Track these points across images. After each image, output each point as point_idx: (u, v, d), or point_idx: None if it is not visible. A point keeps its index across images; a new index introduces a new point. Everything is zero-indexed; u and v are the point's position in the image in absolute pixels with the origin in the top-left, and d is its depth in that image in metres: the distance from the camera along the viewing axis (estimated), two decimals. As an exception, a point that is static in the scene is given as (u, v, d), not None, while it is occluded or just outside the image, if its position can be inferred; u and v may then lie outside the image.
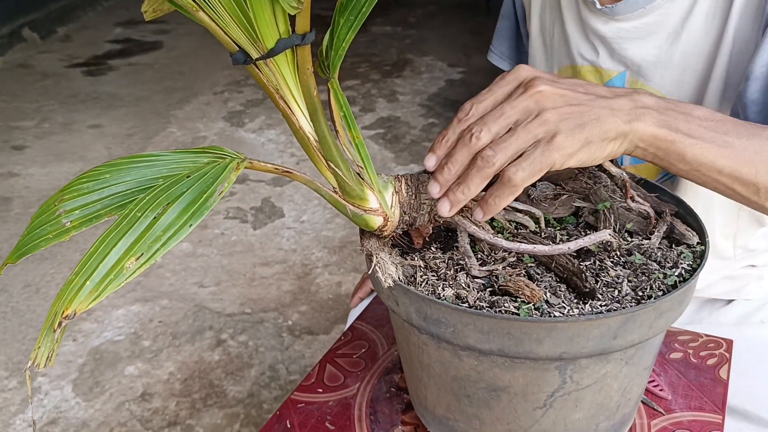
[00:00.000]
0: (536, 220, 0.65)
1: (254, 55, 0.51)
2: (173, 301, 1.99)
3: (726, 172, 0.58)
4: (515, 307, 0.54)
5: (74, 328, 1.91)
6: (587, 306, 0.55)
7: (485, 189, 0.55)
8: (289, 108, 0.54)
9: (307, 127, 0.56)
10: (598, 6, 0.83)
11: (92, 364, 1.79)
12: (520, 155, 0.53)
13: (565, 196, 0.67)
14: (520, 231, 0.65)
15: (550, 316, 0.53)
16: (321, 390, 0.77)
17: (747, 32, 0.76)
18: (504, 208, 0.65)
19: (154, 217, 0.47)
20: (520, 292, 0.55)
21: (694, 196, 0.81)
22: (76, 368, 1.77)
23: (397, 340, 0.69)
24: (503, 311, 0.53)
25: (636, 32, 0.83)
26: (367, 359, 0.82)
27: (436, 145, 0.57)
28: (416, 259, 0.62)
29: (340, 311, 1.93)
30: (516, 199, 0.66)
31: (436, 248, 0.64)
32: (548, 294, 0.56)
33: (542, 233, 0.65)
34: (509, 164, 0.53)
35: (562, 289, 0.56)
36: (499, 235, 0.63)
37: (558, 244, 0.60)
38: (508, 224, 0.65)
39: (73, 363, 1.79)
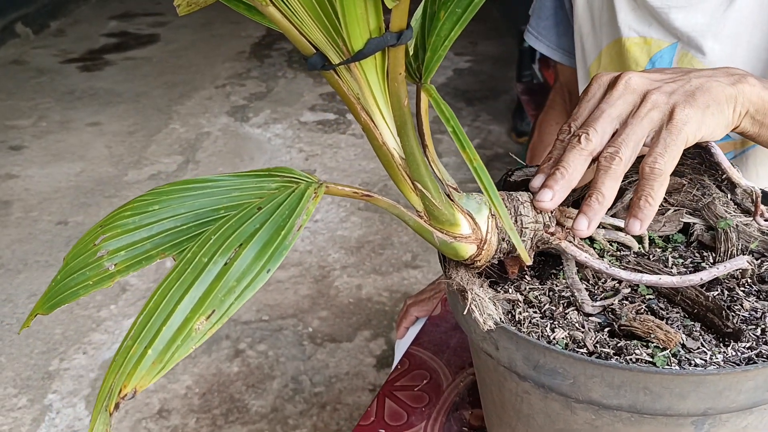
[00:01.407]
0: (640, 240, 0.57)
1: (335, 58, 0.42)
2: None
3: None
4: (648, 355, 0.45)
5: (84, 340, 1.82)
6: (730, 349, 0.46)
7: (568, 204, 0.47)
8: (372, 121, 0.45)
9: (392, 142, 0.46)
10: None
11: (105, 378, 1.70)
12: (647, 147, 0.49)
13: (671, 211, 0.59)
14: (623, 253, 0.56)
15: (690, 365, 0.45)
16: (383, 431, 0.68)
17: None
18: (603, 227, 0.57)
19: (225, 263, 0.38)
20: (652, 335, 0.46)
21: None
22: (88, 383, 1.68)
23: (481, 379, 0.60)
24: (636, 360, 0.45)
25: (686, 0, 0.78)
26: (430, 392, 0.74)
27: (542, 165, 0.51)
28: (511, 291, 0.53)
29: (362, 316, 1.84)
30: (615, 215, 0.58)
31: (531, 277, 0.55)
32: (683, 335, 0.47)
33: (650, 255, 0.56)
34: (645, 157, 0.48)
35: (697, 329, 0.48)
36: (605, 260, 0.54)
37: (686, 273, 0.51)
38: (609, 245, 0.57)
39: (85, 378, 1.70)
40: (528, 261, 0.45)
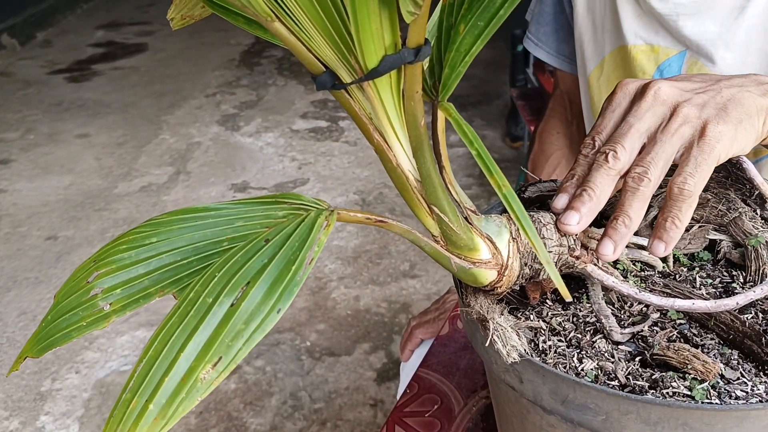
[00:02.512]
0: (664, 259, 0.54)
1: (346, 77, 0.39)
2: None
3: None
4: (686, 388, 0.42)
5: (76, 359, 1.78)
6: (771, 379, 0.43)
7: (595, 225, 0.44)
8: (386, 142, 0.42)
9: (406, 164, 0.43)
10: None
11: (98, 398, 1.65)
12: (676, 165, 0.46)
13: (696, 228, 0.56)
14: (647, 273, 0.53)
15: (730, 397, 0.42)
16: (395, 461, 0.65)
17: None
18: (627, 246, 0.54)
19: (232, 304, 0.35)
20: (689, 366, 0.43)
21: None
22: (81, 404, 1.64)
23: (500, 410, 0.57)
24: (673, 394, 0.42)
25: (694, 6, 0.75)
26: (442, 418, 0.70)
27: (564, 184, 0.47)
28: (533, 317, 0.50)
29: (360, 328, 1.81)
30: (637, 233, 0.55)
31: (553, 301, 0.52)
32: (721, 365, 0.44)
33: (676, 276, 0.53)
34: (673, 177, 0.45)
35: (735, 357, 0.45)
36: (630, 281, 0.51)
37: (716, 295, 0.48)
38: (632, 265, 0.54)
39: (78, 398, 1.65)
40: (568, 297, 0.41)
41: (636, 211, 0.45)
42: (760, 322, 0.48)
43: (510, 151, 2.90)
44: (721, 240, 0.55)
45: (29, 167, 2.93)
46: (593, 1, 0.85)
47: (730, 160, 0.50)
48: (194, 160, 2.95)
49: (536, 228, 0.47)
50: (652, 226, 0.54)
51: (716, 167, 0.56)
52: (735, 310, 0.47)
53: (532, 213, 0.49)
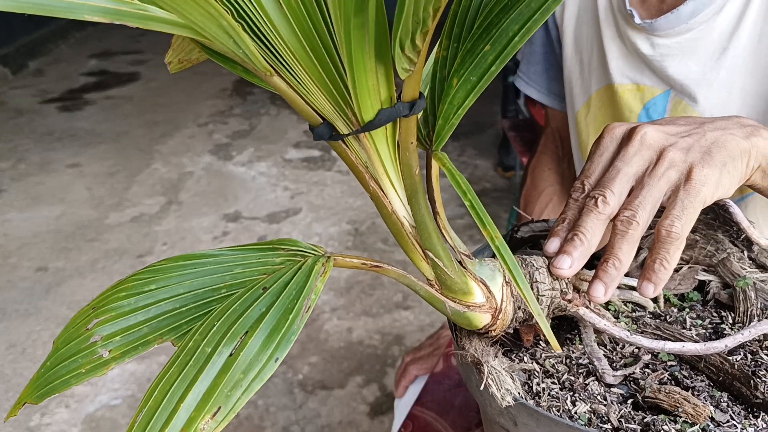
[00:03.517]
0: (655, 300, 0.55)
1: (344, 128, 0.40)
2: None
3: None
4: (677, 430, 0.43)
5: (66, 393, 1.75)
6: (760, 421, 0.44)
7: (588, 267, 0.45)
8: (382, 189, 0.43)
9: (402, 211, 0.44)
10: (637, 21, 0.78)
11: (88, 433, 1.64)
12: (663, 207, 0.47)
13: (686, 269, 0.57)
14: (638, 314, 0.54)
15: (721, 440, 0.42)
16: (390, 501, 0.65)
17: None
18: (618, 287, 0.55)
19: (231, 354, 0.35)
20: (679, 409, 0.44)
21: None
22: (70, 439, 1.62)
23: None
24: (667, 438, 0.42)
25: (678, 49, 0.77)
26: (437, 456, 0.70)
27: (555, 228, 0.48)
28: (527, 359, 0.50)
29: (353, 361, 1.80)
30: (628, 274, 0.56)
31: (546, 343, 0.52)
32: (711, 408, 0.44)
33: (667, 316, 0.54)
34: (660, 220, 0.46)
35: (725, 399, 0.45)
36: (622, 323, 0.52)
37: (706, 336, 0.49)
38: (623, 306, 0.55)
39: (67, 433, 1.64)
40: (558, 349, 0.42)
41: (626, 253, 0.46)
42: (749, 363, 0.49)
43: (502, 180, 2.92)
44: (710, 281, 0.56)
45: (20, 197, 2.93)
46: (581, 41, 0.87)
47: (716, 203, 0.51)
48: (186, 189, 2.95)
49: (529, 271, 0.48)
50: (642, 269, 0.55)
51: (704, 209, 0.57)
52: (724, 353, 0.48)
53: (525, 256, 0.49)
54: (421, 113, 0.44)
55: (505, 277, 0.48)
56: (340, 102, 0.38)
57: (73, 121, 3.80)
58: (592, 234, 0.46)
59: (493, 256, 0.53)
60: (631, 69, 0.81)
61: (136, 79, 4.52)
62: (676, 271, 0.56)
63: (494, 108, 3.39)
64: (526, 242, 0.63)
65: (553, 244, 0.48)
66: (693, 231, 0.58)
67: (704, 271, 0.57)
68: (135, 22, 0.33)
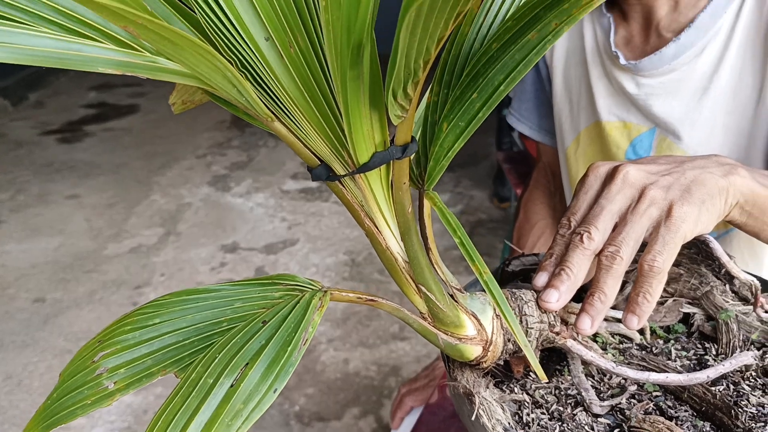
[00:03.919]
0: (641, 332, 0.57)
1: (340, 170, 0.42)
2: (168, 389, 1.84)
3: None
4: (662, 459, 0.44)
5: (62, 426, 1.75)
6: (742, 450, 0.45)
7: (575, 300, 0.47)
8: (376, 227, 0.45)
9: (395, 247, 0.46)
10: (623, 62, 0.81)
11: (84, 466, 1.63)
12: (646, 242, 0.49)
13: (670, 301, 0.59)
14: (625, 346, 0.56)
15: (704, 469, 0.44)
16: None
17: None
18: (605, 319, 0.57)
19: (232, 385, 0.37)
20: (664, 439, 0.45)
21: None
22: (66, 472, 1.62)
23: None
24: (650, 466, 0.44)
25: (662, 88, 0.80)
26: (432, 487, 0.71)
27: (544, 263, 0.50)
28: (517, 390, 0.52)
29: (350, 392, 1.80)
30: (614, 307, 0.58)
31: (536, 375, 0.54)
32: (694, 437, 0.46)
33: (652, 348, 0.56)
34: (643, 255, 0.48)
35: (707, 428, 0.47)
36: (609, 354, 0.54)
37: (691, 367, 0.51)
38: (611, 338, 0.57)
39: (63, 466, 1.63)
40: (544, 378, 0.44)
41: (610, 287, 0.48)
42: (731, 394, 0.50)
43: (497, 211, 2.95)
44: (694, 313, 0.58)
45: (19, 228, 2.94)
46: (570, 80, 0.90)
47: (697, 238, 0.54)
48: (184, 221, 2.97)
49: (518, 305, 0.50)
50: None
51: (687, 244, 0.59)
52: (707, 383, 0.50)
53: (514, 290, 0.51)
54: (413, 154, 0.47)
55: (495, 310, 0.50)
56: (337, 145, 0.41)
57: (73, 153, 3.84)
58: (578, 269, 0.48)
59: (484, 290, 0.55)
60: (617, 107, 0.84)
61: (135, 111, 4.57)
62: (662, 303, 0.58)
63: (489, 140, 3.44)
64: (517, 275, 0.65)
65: (541, 279, 0.50)
66: (677, 265, 0.60)
67: (688, 303, 0.59)
68: (145, 73, 0.36)
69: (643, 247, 0.50)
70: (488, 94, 0.39)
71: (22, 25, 0.34)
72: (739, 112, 0.75)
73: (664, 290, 0.60)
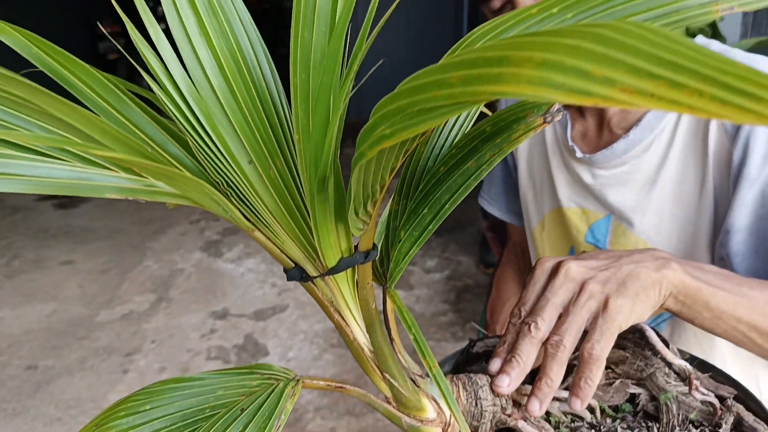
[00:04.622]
0: (592, 410, 0.62)
1: (312, 272, 0.48)
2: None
3: (744, 321, 0.61)
4: None
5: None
6: None
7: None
8: (344, 320, 0.51)
9: (362, 338, 0.52)
10: (579, 155, 0.88)
11: None
12: (587, 331, 0.55)
13: (618, 382, 0.64)
14: (576, 424, 0.61)
15: None
16: None
17: (723, 183, 0.78)
18: (558, 399, 0.62)
19: (213, 467, 0.42)
20: None
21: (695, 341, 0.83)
22: None
23: None
24: None
25: (615, 179, 0.87)
26: None
27: (497, 349, 0.56)
28: (475, 468, 0.57)
29: (336, 461, 1.82)
30: (567, 388, 0.63)
31: (493, 452, 0.59)
32: None
33: (601, 426, 0.61)
34: (583, 343, 0.54)
35: (645, 503, 0.52)
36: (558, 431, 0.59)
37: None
38: (563, 417, 0.62)
39: None
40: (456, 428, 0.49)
41: (556, 372, 0.54)
42: (669, 470, 0.55)
43: (483, 277, 3.00)
44: (640, 393, 0.63)
45: (13, 294, 2.97)
46: (533, 169, 0.98)
47: (633, 327, 0.60)
48: (176, 286, 3.01)
49: (474, 389, 0.56)
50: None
51: (632, 329, 0.65)
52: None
53: (471, 375, 0.57)
54: (378, 255, 0.53)
55: (453, 394, 0.56)
56: (309, 251, 0.47)
57: (68, 219, 3.90)
58: (527, 356, 0.54)
59: (446, 374, 0.61)
60: (576, 195, 0.91)
61: (131, 176, 4.64)
62: (610, 384, 0.64)
63: (475, 206, 3.51)
64: (481, 357, 0.70)
65: (494, 365, 0.56)
66: (623, 349, 0.66)
67: (635, 384, 0.64)
68: (146, 196, 0.42)
69: (585, 334, 0.56)
70: (436, 211, 0.45)
71: (45, 158, 0.41)
72: (685, 201, 0.82)
73: (614, 372, 0.65)
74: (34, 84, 0.33)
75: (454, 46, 0.36)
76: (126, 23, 0.42)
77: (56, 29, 6.13)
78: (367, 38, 0.34)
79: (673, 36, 0.25)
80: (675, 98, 0.23)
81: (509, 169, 1.04)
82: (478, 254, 3.17)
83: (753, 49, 2.82)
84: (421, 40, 5.43)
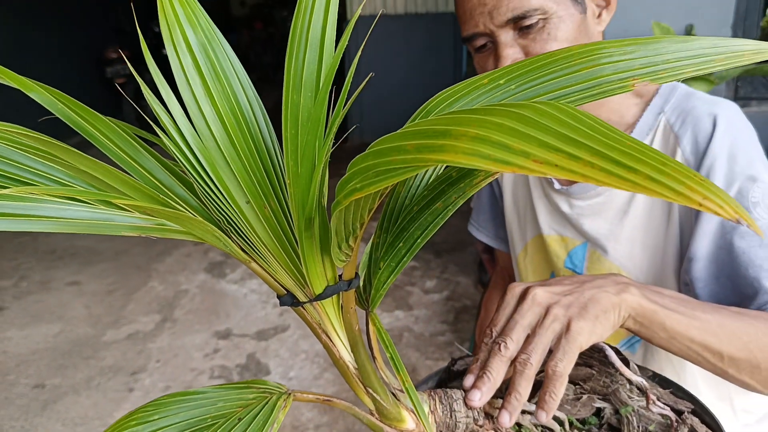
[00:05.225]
0: (560, 423, 0.68)
1: (302, 298, 0.54)
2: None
3: (697, 341, 0.67)
4: None
5: None
6: None
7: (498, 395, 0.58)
8: (331, 341, 0.57)
9: (347, 356, 0.58)
10: (557, 186, 0.95)
11: None
12: (552, 350, 0.61)
13: (585, 397, 0.70)
14: (546, 436, 0.67)
15: None
16: None
17: (688, 214, 0.85)
18: (529, 412, 0.68)
19: (213, 470, 0.48)
20: None
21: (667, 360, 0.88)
22: None
23: None
24: None
25: (590, 209, 0.93)
26: None
27: (471, 366, 0.62)
28: (452, 474, 0.63)
29: (335, 478, 1.86)
30: (537, 402, 0.69)
31: (469, 460, 0.65)
32: None
33: (569, 438, 0.67)
34: (548, 361, 0.59)
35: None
36: (530, 444, 0.65)
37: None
38: (534, 429, 0.68)
39: None
40: None
41: (524, 388, 0.60)
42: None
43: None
44: (604, 407, 0.69)
45: (20, 315, 3.04)
46: (517, 198, 1.04)
47: (594, 347, 0.66)
48: (181, 307, 3.07)
49: (449, 402, 0.62)
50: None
51: (596, 349, 0.71)
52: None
53: (447, 389, 0.63)
54: (362, 281, 0.60)
55: (430, 407, 0.62)
56: (299, 279, 0.53)
57: (75, 240, 3.97)
58: (497, 373, 0.60)
59: (432, 388, 0.67)
60: (555, 223, 0.98)
61: (137, 198, 4.72)
62: (578, 399, 0.70)
63: (476, 228, 3.57)
64: (462, 374, 0.76)
65: (468, 381, 0.62)
66: (591, 367, 0.72)
67: (600, 399, 0.70)
68: (157, 234, 0.49)
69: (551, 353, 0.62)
70: (410, 244, 0.52)
71: (72, 202, 0.47)
72: (654, 231, 0.89)
73: (582, 388, 0.71)
74: (68, 146, 0.40)
75: (416, 113, 0.42)
76: (139, 81, 0.49)
77: (65, 57, 6.27)
78: (345, 104, 0.41)
79: (579, 115, 0.32)
80: (572, 168, 0.29)
81: (495, 197, 1.10)
82: (477, 275, 3.22)
83: (740, 77, 2.90)
84: (421, 63, 5.54)
